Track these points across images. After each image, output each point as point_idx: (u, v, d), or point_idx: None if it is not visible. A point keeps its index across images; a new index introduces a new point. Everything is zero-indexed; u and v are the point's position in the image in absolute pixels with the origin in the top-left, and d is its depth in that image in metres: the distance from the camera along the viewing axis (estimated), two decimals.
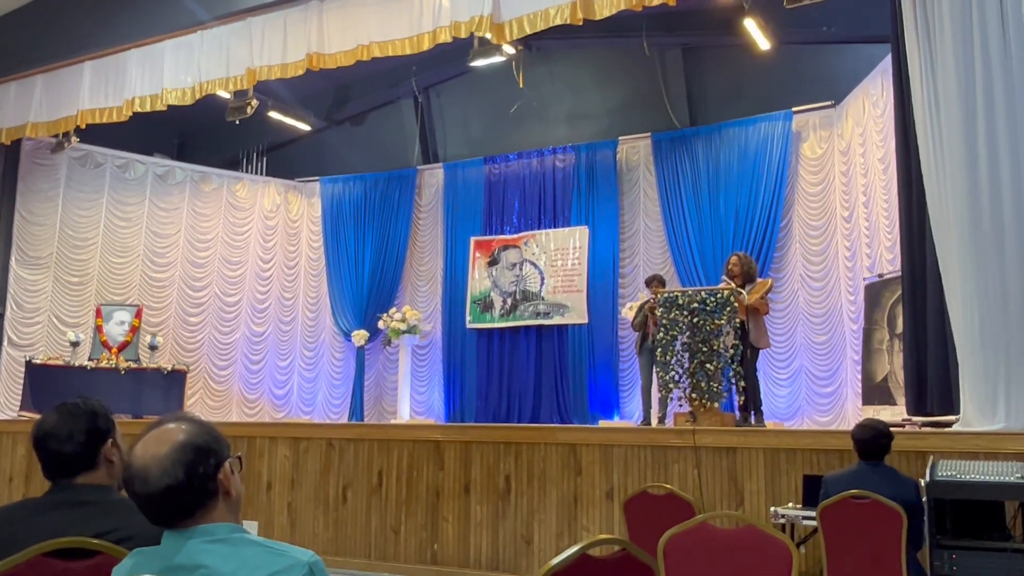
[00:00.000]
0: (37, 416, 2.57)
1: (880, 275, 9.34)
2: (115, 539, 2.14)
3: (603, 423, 11.00)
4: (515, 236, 13.05)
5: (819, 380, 10.85)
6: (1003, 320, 5.85)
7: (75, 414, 2.38)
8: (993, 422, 5.73)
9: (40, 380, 11.36)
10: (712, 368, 7.31)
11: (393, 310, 13.15)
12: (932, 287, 6.54)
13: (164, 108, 10.32)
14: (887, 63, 8.25)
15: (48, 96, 11.24)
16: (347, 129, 14.83)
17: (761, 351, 8.26)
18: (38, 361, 11.72)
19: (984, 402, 5.83)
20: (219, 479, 1.81)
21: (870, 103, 10.00)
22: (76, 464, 2.34)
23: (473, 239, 13.33)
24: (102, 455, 2.37)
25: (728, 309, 7.41)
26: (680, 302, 7.58)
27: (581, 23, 8.07)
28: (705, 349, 7.37)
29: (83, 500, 2.30)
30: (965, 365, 6.00)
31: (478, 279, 13.19)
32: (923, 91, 6.44)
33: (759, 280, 8.41)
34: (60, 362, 11.80)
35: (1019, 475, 4.57)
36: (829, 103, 11.17)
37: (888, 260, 9.19)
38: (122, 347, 12.19)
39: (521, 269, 12.87)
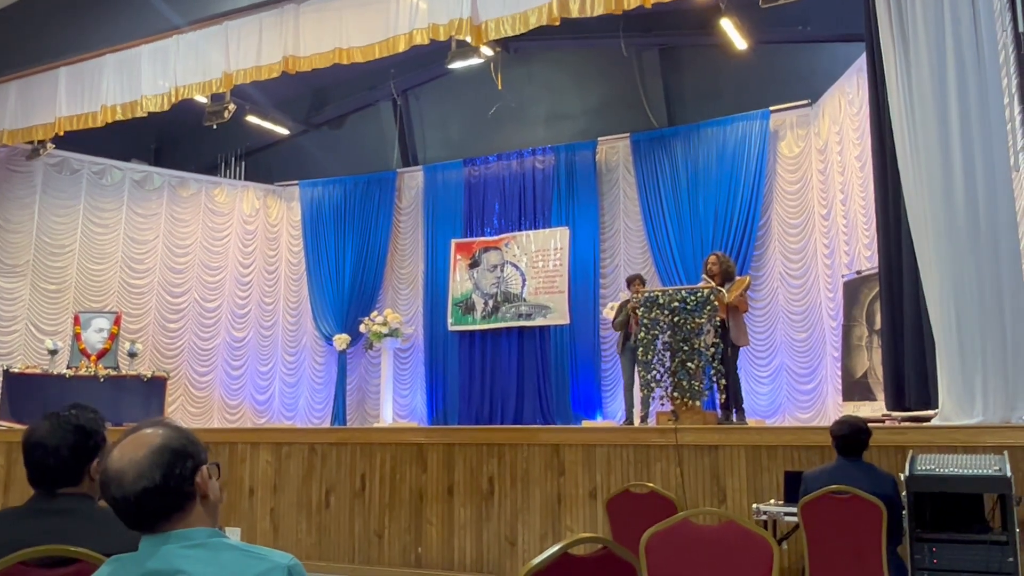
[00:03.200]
0: (15, 425, 2.55)
1: (858, 272, 9.42)
2: (93, 547, 2.12)
3: (586, 423, 11.02)
4: (496, 238, 13.06)
5: (799, 377, 10.92)
6: (979, 315, 5.91)
7: (65, 428, 2.35)
8: (971, 416, 5.78)
9: (18, 389, 11.25)
10: (693, 367, 7.33)
11: (374, 313, 13.13)
12: (909, 283, 6.59)
13: (144, 115, 10.26)
14: (862, 62, 8.31)
15: (23, 103, 11.15)
16: (326, 133, 14.80)
17: (741, 349, 8.29)
18: (16, 370, 11.60)
19: (962, 396, 5.88)
20: (196, 482, 1.80)
21: (846, 101, 10.08)
22: (59, 477, 2.33)
23: (454, 241, 13.33)
24: (87, 472, 2.35)
25: (708, 308, 7.43)
26: (661, 301, 7.60)
27: (558, 22, 8.09)
28: (686, 348, 7.39)
29: (63, 509, 2.29)
30: (942, 360, 6.05)
31: (459, 281, 13.18)
32: (898, 89, 6.50)
33: (738, 278, 8.45)
34: (38, 371, 11.69)
35: (997, 468, 4.62)
36: (806, 102, 11.26)
37: (866, 257, 9.26)
38: (101, 354, 12.10)
39: (502, 271, 12.88)
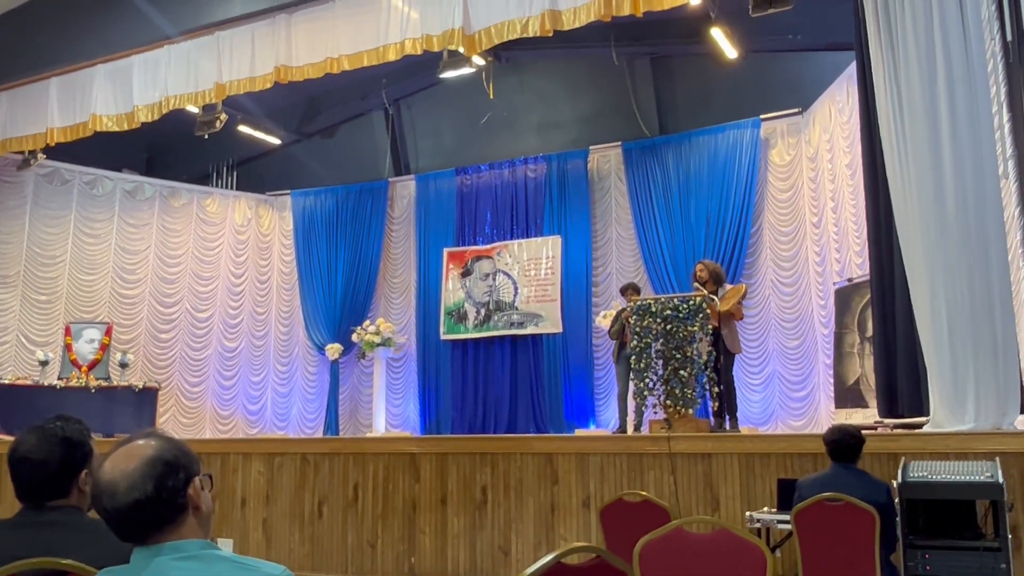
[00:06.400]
0: (4, 437, 2.52)
1: (849, 279, 9.44)
2: (83, 559, 2.11)
3: (579, 432, 11.01)
4: (488, 247, 13.06)
5: (792, 384, 10.93)
6: (970, 321, 5.92)
7: (51, 441, 2.32)
8: (962, 423, 5.80)
9: (8, 400, 11.19)
10: (686, 375, 7.34)
11: (367, 323, 13.10)
12: (901, 290, 6.61)
13: (136, 125, 10.24)
14: (852, 70, 8.35)
15: (13, 113, 11.13)
16: (318, 142, 14.79)
17: (735, 356, 8.29)
18: (6, 381, 11.55)
19: (953, 403, 5.89)
20: (189, 494, 1.80)
21: (836, 110, 10.12)
22: (48, 491, 2.30)
23: (446, 250, 13.33)
24: (76, 484, 2.33)
25: (701, 316, 7.44)
26: (653, 310, 7.61)
27: (551, 34, 8.11)
28: (679, 356, 7.39)
29: (53, 522, 2.27)
30: (933, 367, 6.07)
31: (451, 290, 13.18)
32: (887, 97, 6.53)
33: (732, 286, 8.46)
34: (29, 382, 11.64)
35: (989, 474, 4.62)
36: (796, 110, 11.30)
37: (857, 264, 9.29)
38: (92, 365, 12.05)
39: (494, 279, 12.88)
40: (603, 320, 10.62)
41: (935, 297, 6.08)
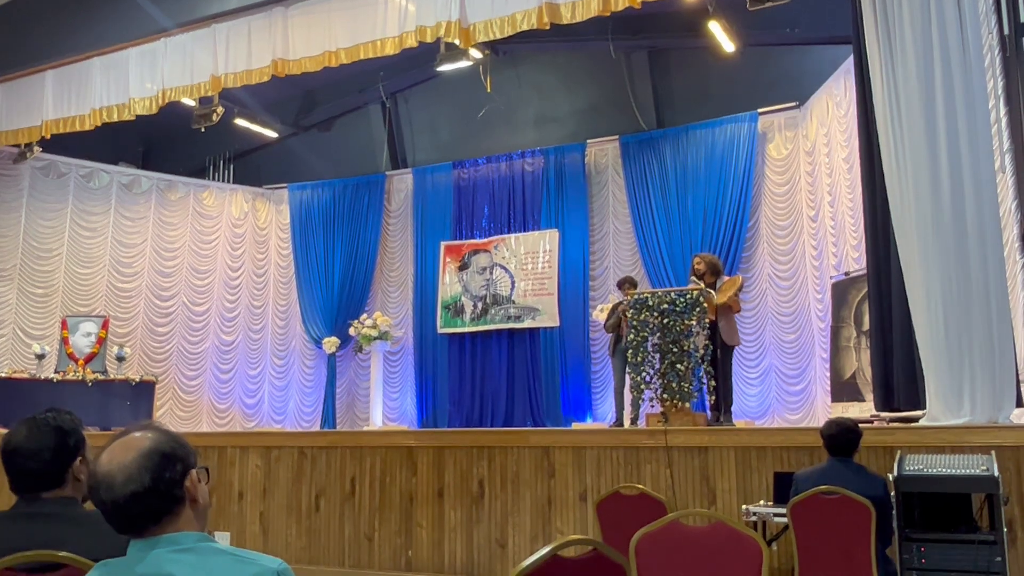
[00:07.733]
0: (1, 430, 2.52)
1: (846, 273, 9.45)
2: (80, 551, 2.11)
3: (576, 425, 11.02)
4: (485, 240, 13.05)
5: (789, 378, 10.95)
6: (966, 315, 5.93)
7: (43, 430, 2.33)
8: (958, 416, 5.81)
9: (5, 394, 11.16)
10: (683, 368, 7.34)
11: (364, 316, 13.10)
12: (897, 284, 6.61)
13: (132, 118, 10.22)
14: (850, 64, 8.34)
15: (9, 106, 11.09)
16: (315, 135, 14.77)
17: (734, 348, 8.29)
18: (3, 375, 11.53)
19: (949, 397, 5.91)
20: (186, 486, 1.79)
21: (834, 103, 10.12)
22: (42, 481, 2.31)
23: (443, 244, 13.32)
24: (70, 473, 2.33)
25: (698, 309, 7.44)
26: (650, 303, 7.60)
27: (548, 27, 8.10)
28: (676, 350, 7.39)
29: (48, 513, 2.27)
30: (929, 361, 6.08)
31: (449, 284, 13.18)
32: (884, 90, 6.53)
33: (728, 278, 8.46)
34: (26, 375, 11.62)
35: (984, 468, 4.64)
36: (794, 104, 11.30)
37: (854, 258, 9.30)
38: (89, 359, 12.03)
39: (491, 273, 12.88)
40: (599, 314, 10.62)
41: (931, 291, 6.09)
